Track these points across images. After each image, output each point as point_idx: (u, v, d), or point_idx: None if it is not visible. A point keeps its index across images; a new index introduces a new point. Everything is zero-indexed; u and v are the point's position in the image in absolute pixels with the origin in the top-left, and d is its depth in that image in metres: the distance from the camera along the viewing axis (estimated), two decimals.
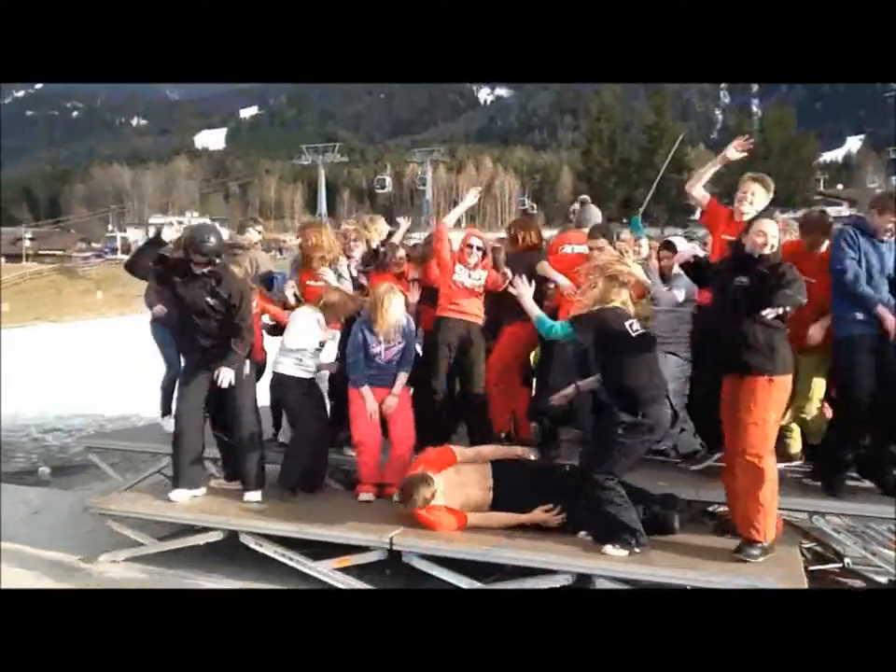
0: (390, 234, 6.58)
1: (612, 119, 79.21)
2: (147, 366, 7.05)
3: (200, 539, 5.19)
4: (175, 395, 5.57)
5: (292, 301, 6.09)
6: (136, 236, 76.81)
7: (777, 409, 4.46)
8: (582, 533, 4.72)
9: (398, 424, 5.54)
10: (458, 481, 4.95)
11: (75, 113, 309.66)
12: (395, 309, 5.40)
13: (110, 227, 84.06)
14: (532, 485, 4.92)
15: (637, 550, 4.45)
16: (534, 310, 4.88)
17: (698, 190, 5.60)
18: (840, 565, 5.46)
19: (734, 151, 5.50)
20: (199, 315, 5.26)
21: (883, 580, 5.19)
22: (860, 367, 4.90)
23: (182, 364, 5.75)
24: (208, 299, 5.21)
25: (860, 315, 4.85)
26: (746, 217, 5.12)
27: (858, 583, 5.24)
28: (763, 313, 4.22)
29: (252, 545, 5.05)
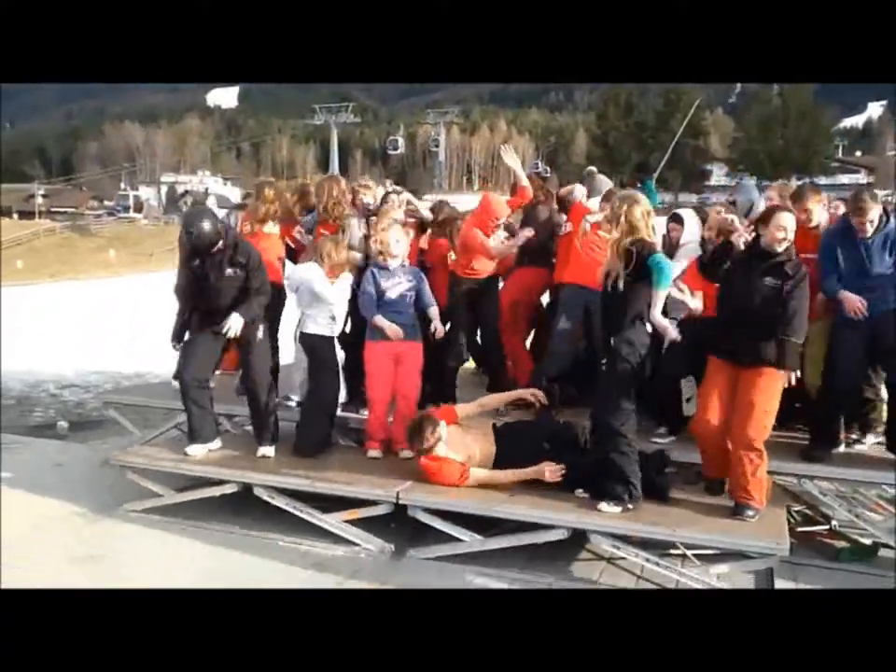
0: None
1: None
2: (161, 324, 7.26)
3: (216, 491, 5.42)
4: (181, 355, 5.69)
5: (305, 241, 6.33)
6: (148, 194, 76.79)
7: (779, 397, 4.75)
8: (579, 491, 4.95)
9: (407, 379, 5.64)
10: (463, 439, 5.17)
11: None
12: (393, 227, 5.61)
13: (122, 185, 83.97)
14: (532, 442, 5.15)
15: (629, 506, 4.68)
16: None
17: None
18: (827, 527, 5.68)
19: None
20: (218, 285, 5.41)
21: (867, 541, 5.41)
22: (843, 353, 5.17)
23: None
24: (229, 270, 5.39)
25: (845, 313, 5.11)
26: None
27: (842, 544, 5.46)
28: None
29: (265, 497, 5.29)
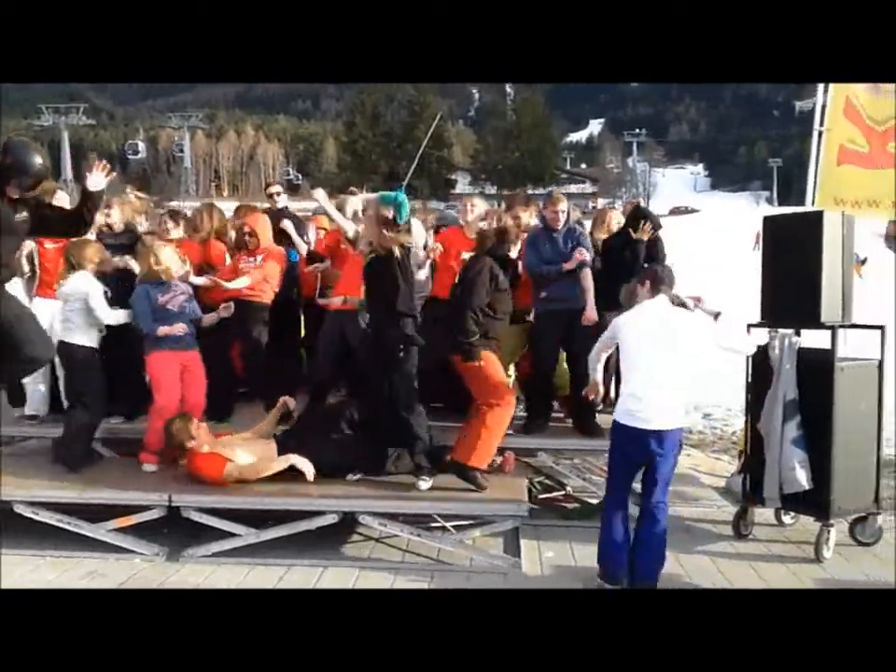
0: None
1: (374, 92, 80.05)
2: None
3: None
4: None
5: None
6: None
7: None
8: (350, 476, 5.36)
9: (196, 387, 5.76)
10: (243, 446, 5.41)
11: None
12: (168, 254, 5.73)
13: None
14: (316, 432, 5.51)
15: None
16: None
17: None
18: (563, 492, 6.53)
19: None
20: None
21: (594, 501, 6.29)
22: (543, 336, 6.04)
23: None
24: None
25: (542, 294, 5.93)
26: (473, 228, 6.10)
27: (574, 505, 6.32)
28: None
29: (28, 514, 5.13)
